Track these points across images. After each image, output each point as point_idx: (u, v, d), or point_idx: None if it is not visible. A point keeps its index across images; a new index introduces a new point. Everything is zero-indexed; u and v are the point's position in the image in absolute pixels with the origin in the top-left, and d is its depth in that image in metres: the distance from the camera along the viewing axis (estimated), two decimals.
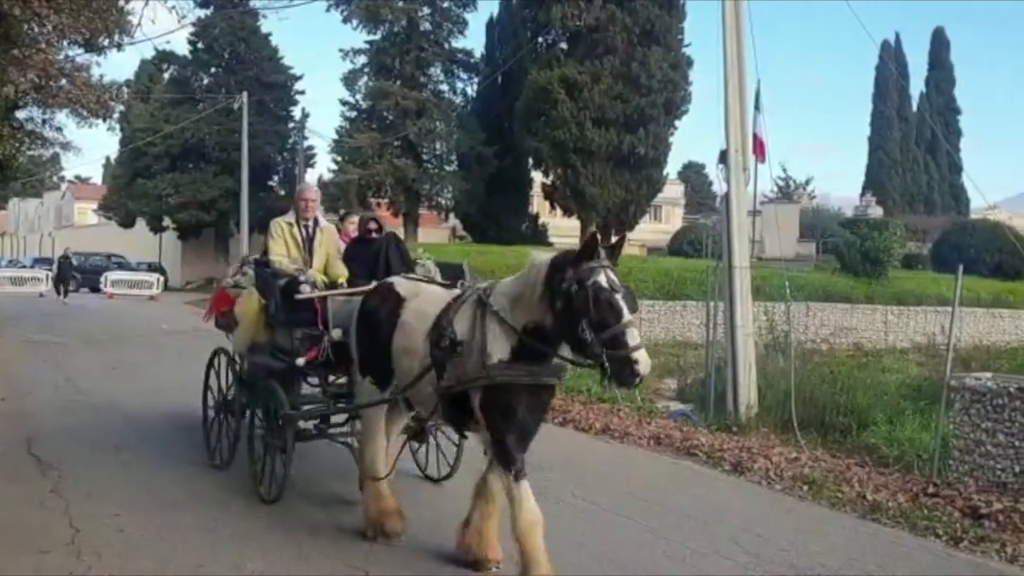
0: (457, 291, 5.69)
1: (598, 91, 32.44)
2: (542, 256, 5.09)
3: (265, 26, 44.07)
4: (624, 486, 7.58)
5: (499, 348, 5.03)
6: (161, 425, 9.42)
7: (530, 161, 37.10)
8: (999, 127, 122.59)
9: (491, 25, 41.05)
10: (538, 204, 41.95)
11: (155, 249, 48.87)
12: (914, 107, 55.47)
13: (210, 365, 8.31)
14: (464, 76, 39.99)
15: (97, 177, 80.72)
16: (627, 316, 4.58)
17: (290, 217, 7.41)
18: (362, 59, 38.31)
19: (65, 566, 5.21)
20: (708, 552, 5.90)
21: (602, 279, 4.62)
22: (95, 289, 37.01)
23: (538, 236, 39.70)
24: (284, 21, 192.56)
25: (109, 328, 21.32)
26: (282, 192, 44.75)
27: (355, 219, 8.54)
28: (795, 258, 33.09)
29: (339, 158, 37.67)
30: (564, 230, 40.19)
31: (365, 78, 38.22)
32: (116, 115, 22.90)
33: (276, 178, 46.04)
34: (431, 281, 6.36)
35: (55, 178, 67.84)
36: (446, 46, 38.51)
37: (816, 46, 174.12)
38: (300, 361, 6.70)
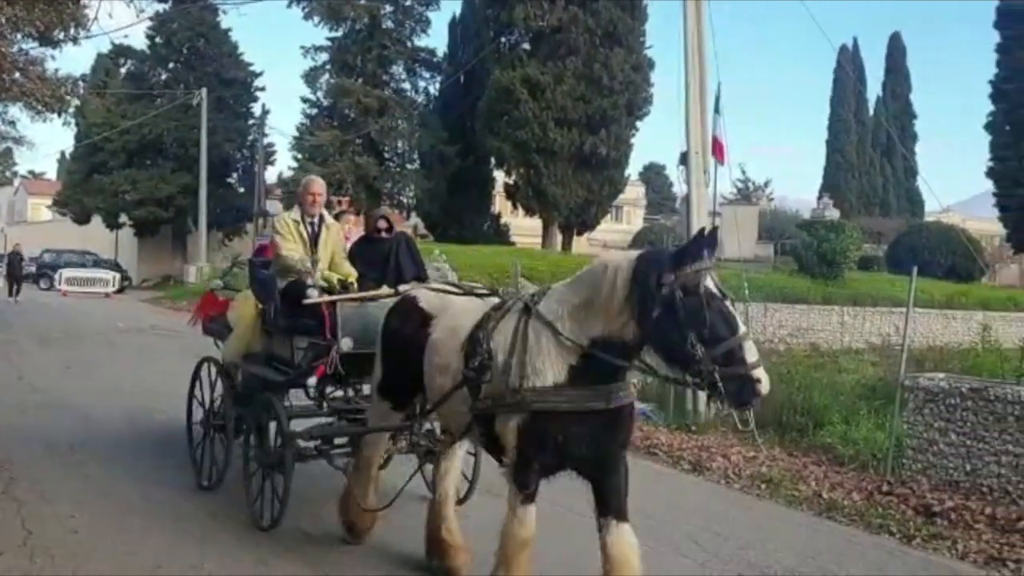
0: (494, 300, 5.05)
1: (560, 92, 32.56)
2: (613, 256, 4.39)
3: (225, 21, 43.61)
4: (583, 484, 7.60)
5: (549, 366, 4.32)
6: (117, 425, 9.26)
7: (492, 161, 37.13)
8: (953, 132, 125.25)
9: (454, 24, 41.02)
10: (500, 203, 41.98)
11: (111, 246, 48.07)
12: (871, 111, 56.34)
13: (196, 376, 7.62)
14: (426, 75, 39.95)
15: (51, 172, 79.20)
16: (742, 328, 3.99)
17: (295, 213, 6.77)
18: (323, 56, 38.12)
19: (18, 567, 5.11)
20: (667, 550, 5.95)
21: (711, 284, 3.97)
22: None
23: (500, 235, 39.74)
24: (244, 17, 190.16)
25: (64, 326, 20.92)
26: (241, 190, 44.37)
27: (352, 218, 8.05)
28: (754, 259, 33.46)
29: (299, 156, 37.47)
30: (526, 230, 40.28)
31: (326, 75, 38.01)
32: (71, 109, 22.53)
33: (235, 175, 45.50)
34: (465, 290, 5.52)
35: (7, 173, 66.56)
36: (408, 44, 38.38)
37: (777, 50, 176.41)
38: (311, 381, 6.14)
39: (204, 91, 37.08)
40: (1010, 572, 6.03)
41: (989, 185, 36.63)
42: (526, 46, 34.53)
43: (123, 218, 44.28)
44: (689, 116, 11.38)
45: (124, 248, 48.51)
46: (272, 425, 6.10)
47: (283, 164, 59.65)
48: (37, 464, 7.50)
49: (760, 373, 3.90)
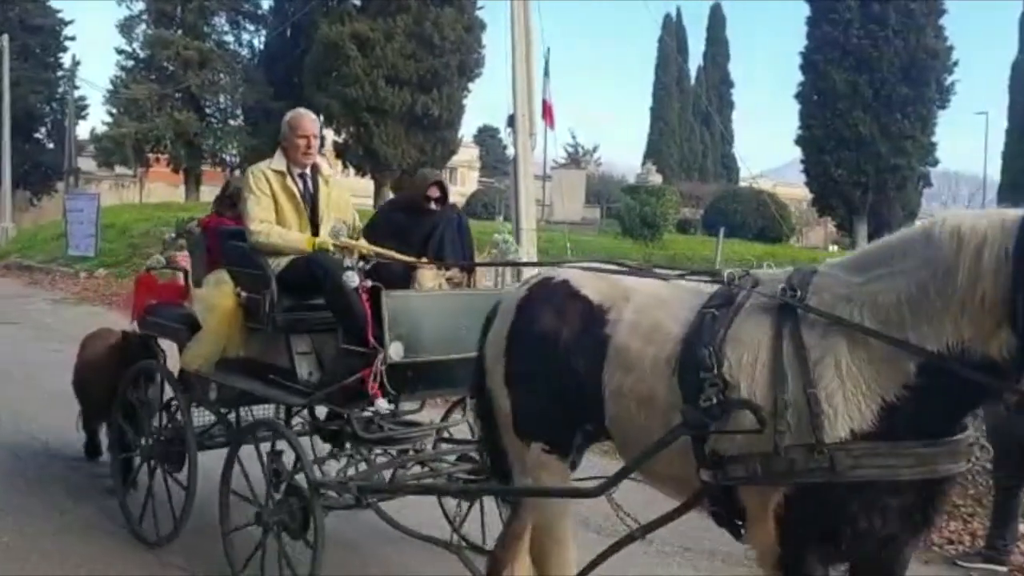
0: (707, 288, 3.38)
1: (391, 49, 32.05)
2: (962, 217, 2.79)
3: None
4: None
5: (861, 403, 2.77)
6: None
7: (321, 118, 36.20)
8: (768, 101, 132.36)
9: None
10: (330, 162, 41.09)
11: None
12: (692, 80, 58.58)
13: (126, 392, 5.73)
14: (251, 27, 38.32)
15: None
16: None
17: (278, 162, 4.94)
18: (140, 5, 35.83)
19: None
20: None
21: None
22: None
23: None
24: None
25: None
26: (50, 145, 41.49)
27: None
28: (581, 222, 34.36)
29: (114, 110, 35.26)
30: (357, 191, 39.49)
31: (143, 25, 35.78)
32: None
33: (43, 130, 42.56)
34: (641, 270, 3.84)
35: None
36: None
37: (605, 18, 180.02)
38: (382, 405, 4.31)
39: (6, 38, 34.14)
40: None
41: (798, 152, 38.91)
42: (355, 1, 33.78)
43: None
44: (516, 78, 11.51)
45: None
46: (284, 462, 4.53)
47: (96, 119, 56.30)
48: None
49: None
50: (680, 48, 53.76)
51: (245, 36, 38.34)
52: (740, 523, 3.14)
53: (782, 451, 2.78)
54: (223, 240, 5.22)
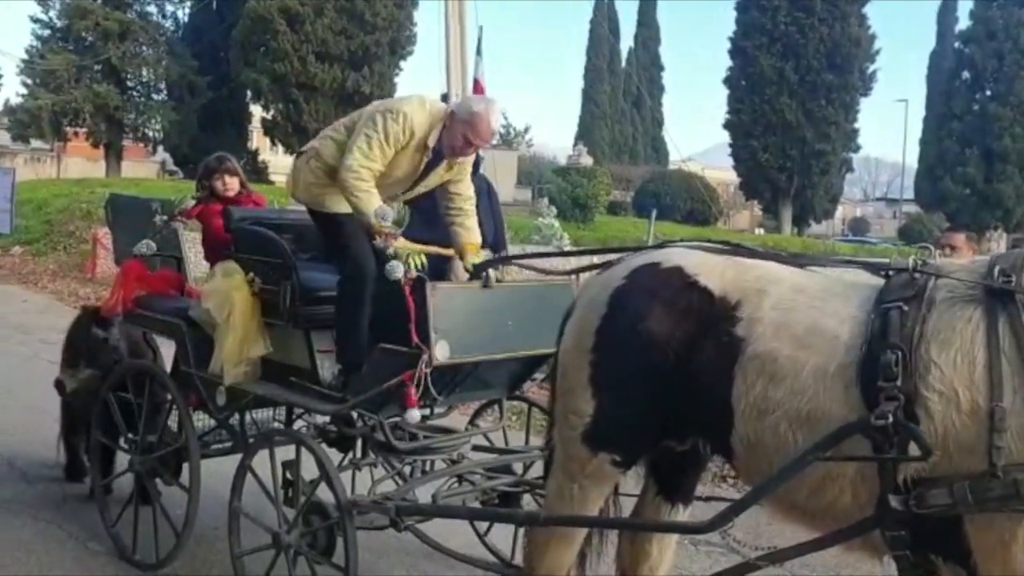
0: (858, 278, 2.93)
1: (321, 25, 31.51)
2: None
3: None
4: None
5: None
6: None
7: (248, 94, 35.45)
8: (697, 85, 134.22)
9: None
10: (258, 140, 40.25)
11: None
12: (623, 62, 58.93)
13: (107, 398, 5.07)
14: None
15: None
16: None
17: (430, 127, 4.13)
18: None
19: None
20: None
21: None
22: None
23: (258, 173, 38.13)
24: None
25: None
26: None
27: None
28: (513, 203, 34.36)
29: (29, 81, 33.88)
30: (287, 168, 38.89)
31: None
32: None
33: None
34: (785, 257, 3.23)
35: None
36: None
37: None
38: (414, 415, 3.86)
39: None
40: None
41: (726, 136, 39.54)
42: None
43: None
44: (450, 57, 11.40)
45: None
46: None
47: (11, 90, 54.18)
48: None
49: None
50: (612, 30, 53.98)
51: (169, 8, 37.20)
52: (935, 555, 2.65)
53: (999, 471, 2.35)
54: (234, 224, 4.66)
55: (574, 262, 4.18)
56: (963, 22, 40.94)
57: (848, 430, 2.56)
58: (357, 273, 4.10)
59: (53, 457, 6.01)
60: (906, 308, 2.61)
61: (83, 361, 5.43)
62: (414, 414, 3.86)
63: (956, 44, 40.15)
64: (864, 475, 2.61)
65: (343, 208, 4.16)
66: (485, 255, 4.42)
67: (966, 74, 37.94)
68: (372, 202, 4.01)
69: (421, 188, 4.35)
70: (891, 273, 2.77)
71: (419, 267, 3.89)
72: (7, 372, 8.99)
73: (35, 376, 8.15)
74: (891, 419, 2.46)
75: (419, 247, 4.09)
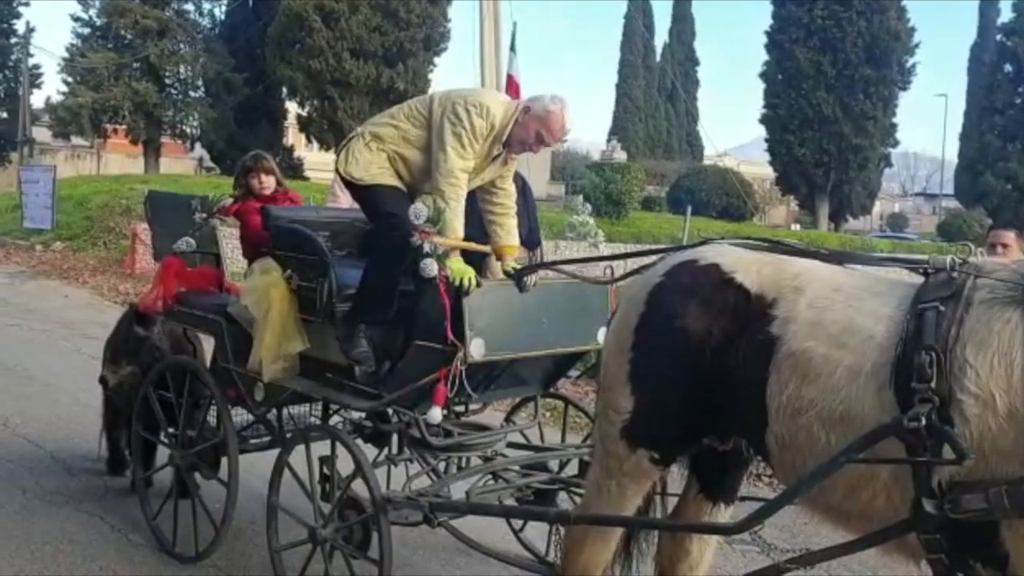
0: (896, 276, 2.99)
1: (356, 22, 31.66)
2: None
3: None
4: None
5: None
6: None
7: (284, 91, 35.75)
8: (733, 79, 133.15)
9: None
10: (293, 136, 40.56)
11: None
12: (658, 57, 58.62)
13: (146, 394, 5.14)
14: None
15: None
16: None
17: (499, 110, 4.17)
18: None
19: None
20: None
21: None
22: None
23: (294, 170, 38.46)
24: None
25: None
26: (3, 114, 40.39)
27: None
28: (546, 198, 34.38)
29: (70, 79, 34.43)
30: (322, 165, 39.17)
31: None
32: None
33: None
34: (825, 254, 3.17)
35: None
36: None
37: None
38: (436, 414, 3.91)
39: None
40: None
41: (762, 131, 39.21)
42: None
43: None
44: (484, 53, 11.41)
45: None
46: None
47: (51, 88, 54.88)
48: None
49: None
50: (646, 25, 53.73)
51: (206, 6, 37.68)
52: (972, 560, 2.59)
53: None
54: (271, 222, 4.69)
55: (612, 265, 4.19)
56: (1005, 14, 40.22)
57: (881, 432, 2.51)
58: (395, 227, 4.05)
59: (95, 450, 6.14)
60: (943, 308, 2.56)
61: (125, 358, 5.55)
62: (436, 413, 3.87)
63: (998, 37, 39.51)
64: (898, 478, 2.58)
65: (392, 181, 4.26)
66: (521, 254, 4.42)
67: (1008, 67, 37.26)
68: (458, 224, 4.03)
69: (477, 181, 4.29)
70: (930, 272, 2.72)
71: (468, 285, 3.84)
72: (50, 366, 9.13)
73: (77, 370, 8.30)
74: (924, 422, 2.42)
75: (457, 243, 4.06)
